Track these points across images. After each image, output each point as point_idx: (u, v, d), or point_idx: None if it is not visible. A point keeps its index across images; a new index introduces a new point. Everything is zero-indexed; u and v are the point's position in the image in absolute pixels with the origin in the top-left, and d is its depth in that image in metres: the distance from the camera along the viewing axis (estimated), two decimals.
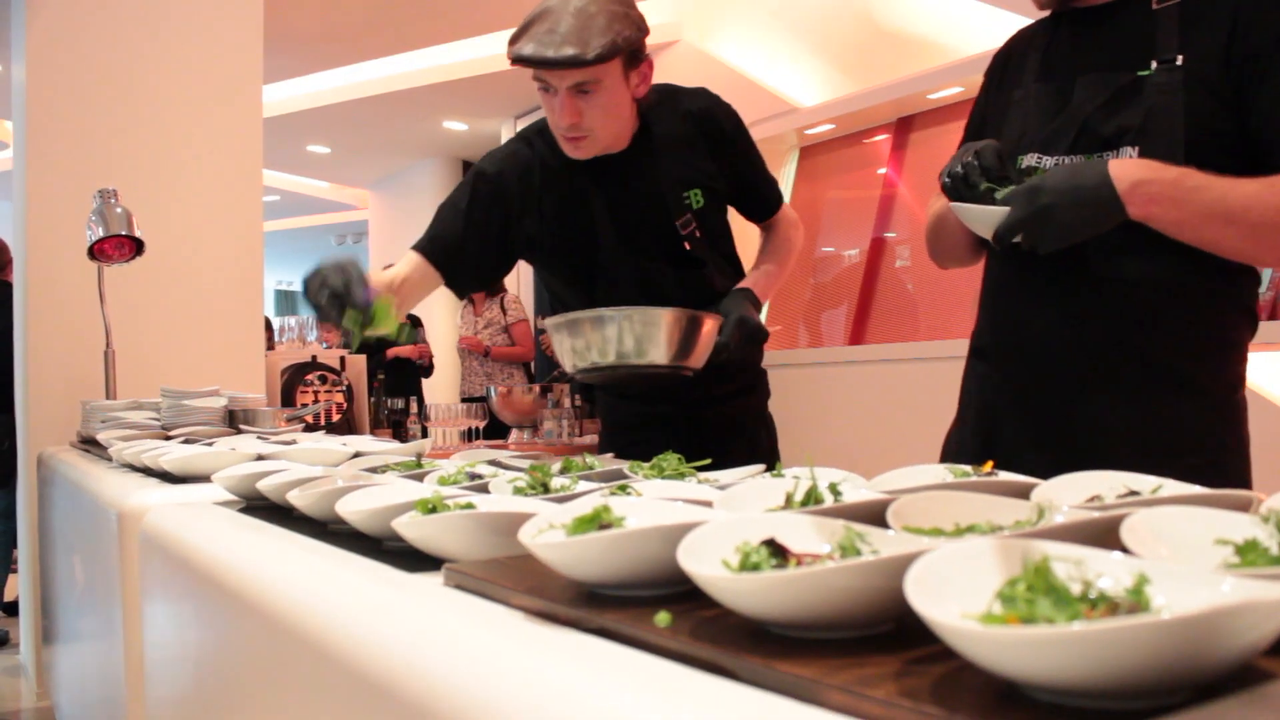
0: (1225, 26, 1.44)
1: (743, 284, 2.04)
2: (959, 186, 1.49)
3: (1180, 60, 1.45)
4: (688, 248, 2.00)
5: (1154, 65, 1.47)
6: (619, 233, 2.00)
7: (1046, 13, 1.67)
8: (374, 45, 7.33)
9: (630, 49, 1.83)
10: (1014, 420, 1.63)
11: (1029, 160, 1.57)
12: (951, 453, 1.74)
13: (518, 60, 1.80)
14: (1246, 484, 1.53)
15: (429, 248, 1.99)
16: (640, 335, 1.70)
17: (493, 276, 2.11)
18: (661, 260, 2.01)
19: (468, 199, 2.02)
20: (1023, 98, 1.64)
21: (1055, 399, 1.57)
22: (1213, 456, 1.52)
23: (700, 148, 2.02)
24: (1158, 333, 1.51)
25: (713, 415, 2.13)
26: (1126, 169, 1.37)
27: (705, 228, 2.01)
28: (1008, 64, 1.74)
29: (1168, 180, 1.37)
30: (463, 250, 2.00)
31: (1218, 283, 1.52)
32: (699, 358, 1.77)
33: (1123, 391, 1.52)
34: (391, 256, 7.45)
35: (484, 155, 2.09)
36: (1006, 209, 1.40)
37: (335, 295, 1.65)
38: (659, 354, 1.70)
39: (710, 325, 1.78)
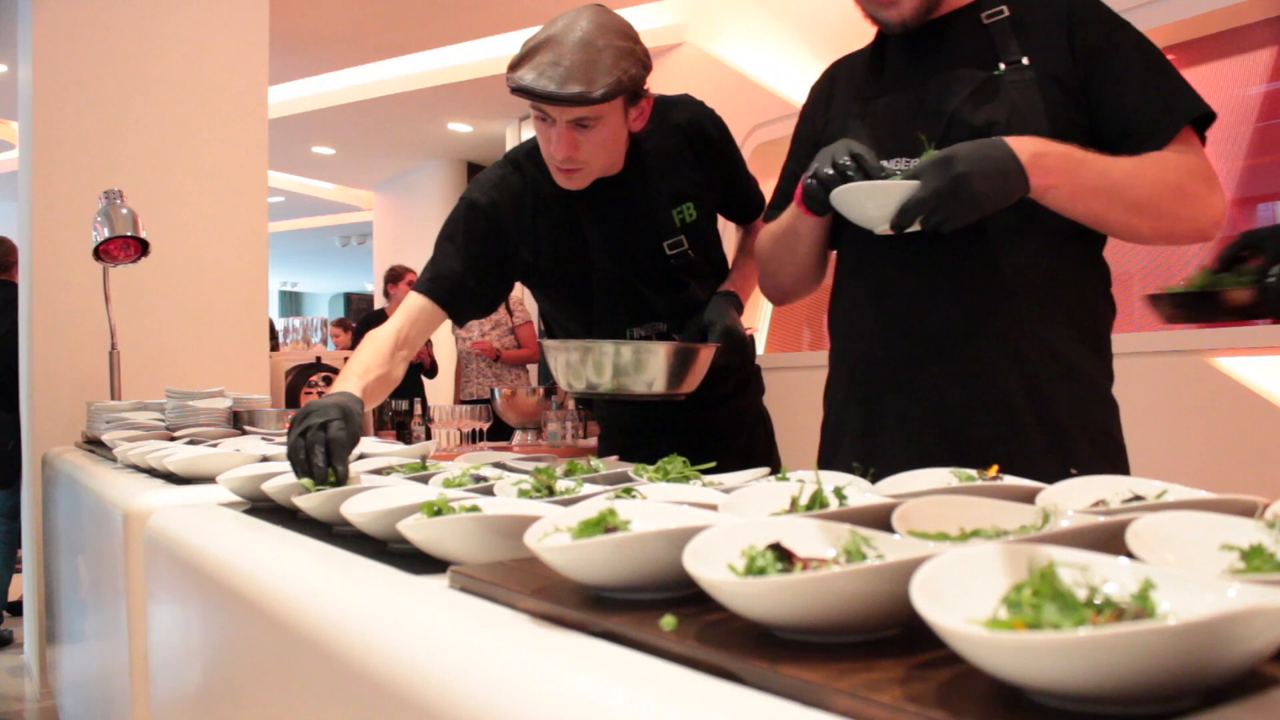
0: (1061, 29, 1.52)
1: (725, 286, 2.03)
2: (829, 185, 1.43)
3: (1026, 61, 1.52)
4: (673, 265, 2.00)
5: (1002, 66, 1.53)
6: (611, 255, 1.99)
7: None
8: (379, 47, 7.34)
9: (634, 88, 1.81)
10: (914, 423, 1.57)
11: (891, 165, 1.53)
12: (836, 462, 1.65)
13: (518, 90, 1.76)
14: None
15: (431, 288, 1.97)
16: (637, 367, 1.72)
17: (494, 304, 2.09)
18: (653, 280, 2.01)
19: (463, 234, 1.98)
20: (866, 110, 1.64)
21: (963, 391, 1.53)
22: (1104, 447, 1.55)
23: (690, 159, 2.01)
24: (1051, 320, 1.53)
25: (709, 416, 2.12)
26: (1024, 143, 1.39)
27: (697, 240, 2.01)
28: (834, 89, 1.75)
29: (1060, 153, 1.41)
30: (464, 286, 1.97)
31: (1090, 273, 1.59)
32: (693, 383, 1.79)
33: (1026, 379, 1.51)
34: (396, 258, 7.46)
35: (472, 183, 2.05)
36: (912, 183, 1.34)
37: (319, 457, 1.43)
38: (656, 384, 1.73)
39: (705, 354, 1.80)
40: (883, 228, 1.39)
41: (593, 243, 1.99)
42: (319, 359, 4.31)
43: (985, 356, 1.52)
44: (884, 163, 1.48)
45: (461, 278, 1.96)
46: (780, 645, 0.63)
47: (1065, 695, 0.50)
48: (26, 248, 4.02)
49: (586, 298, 2.03)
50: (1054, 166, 1.40)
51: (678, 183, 2.00)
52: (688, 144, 2.01)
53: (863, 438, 1.64)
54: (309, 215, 13.66)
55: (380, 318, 6.83)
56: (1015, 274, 1.52)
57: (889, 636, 0.64)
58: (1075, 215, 1.46)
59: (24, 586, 4.35)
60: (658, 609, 0.72)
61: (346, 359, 4.43)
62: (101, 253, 3.47)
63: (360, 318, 8.00)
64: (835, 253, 1.76)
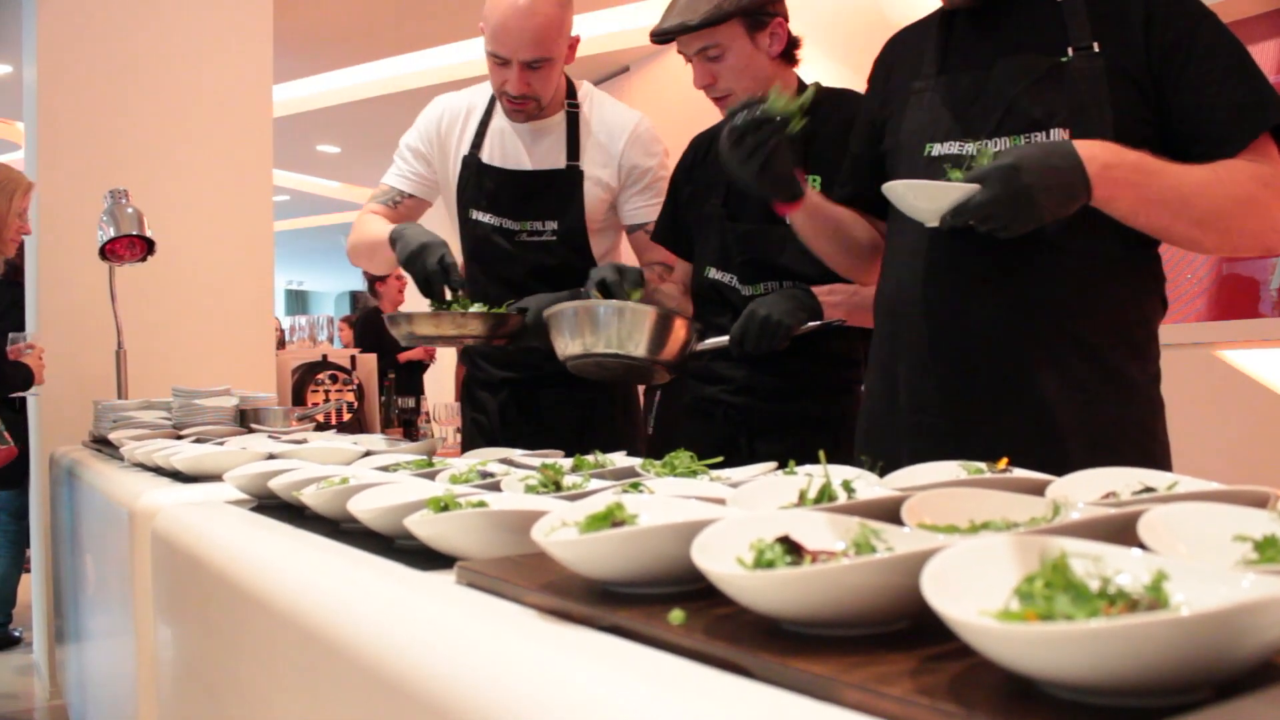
0: (1139, 19, 1.46)
1: (822, 290, 1.95)
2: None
3: (1097, 48, 1.46)
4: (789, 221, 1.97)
5: (1071, 53, 1.47)
6: (730, 192, 2.07)
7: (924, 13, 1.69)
8: (383, 45, 7.34)
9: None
10: (958, 416, 1.54)
11: (943, 148, 1.54)
12: (874, 448, 1.62)
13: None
14: None
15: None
16: (625, 325, 1.79)
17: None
18: (759, 224, 2.03)
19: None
20: (925, 89, 1.61)
21: (999, 390, 1.51)
22: (1146, 450, 1.51)
23: (837, 149, 1.94)
24: (1094, 321, 1.49)
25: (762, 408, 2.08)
26: (1094, 151, 1.35)
27: None
28: (895, 63, 1.72)
29: (1130, 164, 1.36)
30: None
31: (1142, 272, 1.54)
32: (670, 353, 1.83)
33: (1065, 381, 1.48)
34: None
35: None
36: (971, 186, 1.32)
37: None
38: (640, 346, 1.79)
39: (680, 324, 1.84)
40: (932, 222, 1.38)
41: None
42: (325, 357, 4.32)
43: (1026, 358, 1.49)
44: (940, 146, 1.52)
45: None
46: (789, 639, 0.63)
47: (1078, 687, 0.49)
48: (32, 247, 4.02)
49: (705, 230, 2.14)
50: (1122, 179, 1.35)
51: (817, 157, 1.99)
52: (838, 139, 1.94)
53: (896, 429, 1.61)
54: (314, 214, 13.67)
55: (377, 315, 6.80)
56: (1066, 273, 1.48)
57: (899, 629, 0.64)
58: (1137, 225, 1.42)
59: (32, 586, 4.36)
60: (666, 603, 0.72)
61: (353, 357, 4.45)
62: (107, 252, 3.47)
63: (361, 315, 7.98)
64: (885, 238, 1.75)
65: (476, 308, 2.07)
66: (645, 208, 2.34)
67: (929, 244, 1.54)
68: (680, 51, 1.97)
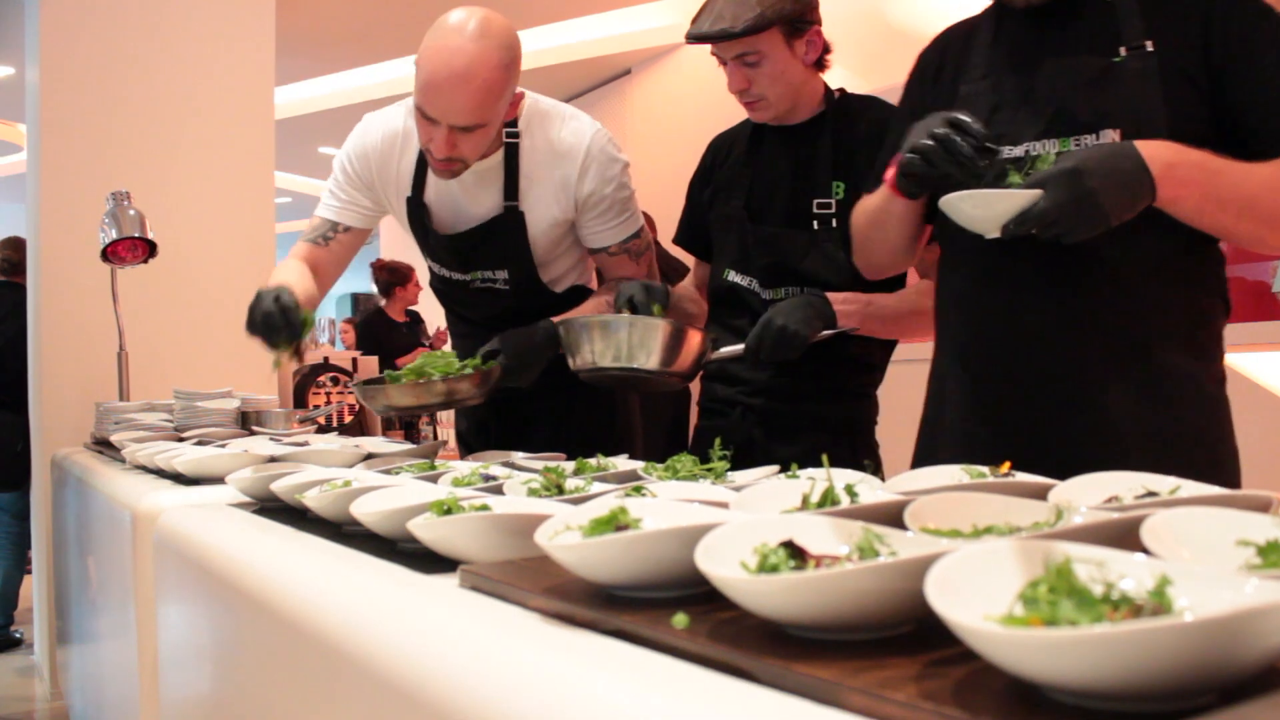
0: (1199, 16, 1.44)
1: (844, 296, 1.92)
2: (932, 166, 1.39)
3: (1150, 47, 1.44)
4: (815, 228, 1.98)
5: (1123, 52, 1.45)
6: (760, 191, 2.07)
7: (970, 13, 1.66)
8: (386, 47, 7.34)
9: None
10: (1010, 424, 1.52)
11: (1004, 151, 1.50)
12: (925, 460, 1.57)
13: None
14: (1238, 483, 1.49)
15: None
16: (637, 339, 1.79)
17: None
18: (783, 229, 2.03)
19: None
20: (973, 93, 1.58)
21: (1057, 399, 1.48)
22: (1214, 454, 1.49)
23: (865, 155, 1.92)
24: (1153, 324, 1.46)
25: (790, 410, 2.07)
26: (1157, 151, 1.32)
27: (841, 220, 1.97)
28: (943, 61, 1.68)
29: (1193, 163, 1.34)
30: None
31: (1201, 272, 1.51)
32: (683, 364, 1.83)
33: (1127, 386, 1.45)
34: (402, 258, 7.44)
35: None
36: (1033, 192, 1.29)
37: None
38: (652, 359, 1.80)
39: (694, 336, 1.84)
40: (993, 233, 1.34)
41: (742, 177, 2.09)
42: (326, 359, 4.32)
43: (1086, 365, 1.46)
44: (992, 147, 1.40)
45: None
46: (793, 643, 0.63)
47: (1082, 692, 0.50)
48: (34, 249, 4.02)
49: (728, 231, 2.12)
50: (1186, 178, 1.33)
51: (845, 162, 2.00)
52: (867, 144, 1.94)
53: (944, 442, 1.60)
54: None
55: (380, 316, 6.78)
56: (1122, 276, 1.45)
57: (903, 634, 0.64)
58: (1201, 225, 1.40)
59: (34, 587, 4.36)
60: (670, 607, 0.72)
61: (355, 359, 4.44)
62: (109, 254, 3.47)
63: (362, 317, 7.97)
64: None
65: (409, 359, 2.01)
66: (606, 230, 2.18)
67: (981, 252, 1.50)
68: (715, 55, 1.96)
